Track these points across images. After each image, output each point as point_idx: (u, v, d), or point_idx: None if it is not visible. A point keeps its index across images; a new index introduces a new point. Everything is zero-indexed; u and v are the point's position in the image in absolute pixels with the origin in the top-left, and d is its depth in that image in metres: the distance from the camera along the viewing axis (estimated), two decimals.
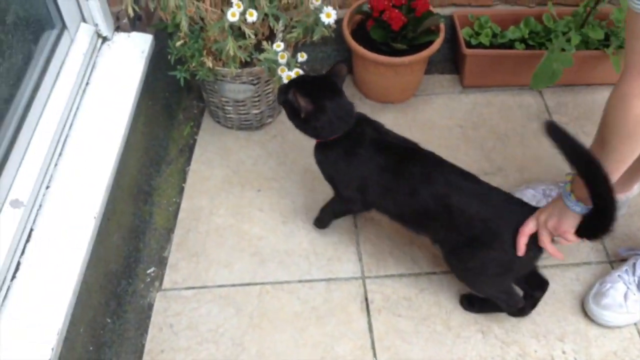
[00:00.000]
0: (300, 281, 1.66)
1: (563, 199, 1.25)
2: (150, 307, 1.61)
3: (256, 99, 1.86)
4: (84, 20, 1.59)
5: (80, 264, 1.28)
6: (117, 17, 1.67)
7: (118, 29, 1.70)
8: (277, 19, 1.54)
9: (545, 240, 1.31)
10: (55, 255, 1.28)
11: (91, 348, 1.42)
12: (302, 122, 1.43)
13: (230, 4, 1.45)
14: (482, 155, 1.94)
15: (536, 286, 1.53)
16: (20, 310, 1.21)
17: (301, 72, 1.52)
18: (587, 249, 1.71)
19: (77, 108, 1.51)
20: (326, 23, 1.50)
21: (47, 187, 1.38)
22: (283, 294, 1.64)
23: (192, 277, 1.67)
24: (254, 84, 1.79)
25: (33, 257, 1.28)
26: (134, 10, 1.43)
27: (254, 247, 1.74)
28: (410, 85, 2.05)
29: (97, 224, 1.36)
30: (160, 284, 1.66)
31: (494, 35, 2.03)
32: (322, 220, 1.75)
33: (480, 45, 2.02)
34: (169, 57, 1.68)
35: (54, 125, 1.41)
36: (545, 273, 1.54)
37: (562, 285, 1.65)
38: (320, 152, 1.51)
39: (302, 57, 1.56)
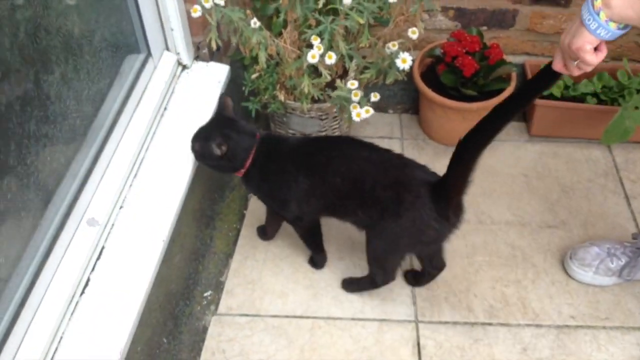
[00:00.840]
0: (353, 319, 1.66)
1: (582, 10, 1.01)
2: (204, 330, 1.64)
3: (322, 133, 1.89)
4: (167, 48, 1.66)
5: (147, 285, 1.32)
6: (197, 47, 1.74)
7: (197, 58, 1.76)
8: (351, 58, 1.57)
9: (567, 65, 1.09)
10: (123, 274, 1.33)
11: None
12: (219, 163, 1.48)
13: (309, 45, 1.49)
14: (545, 207, 1.91)
15: (435, 266, 1.64)
16: (86, 326, 1.25)
17: (372, 111, 1.54)
18: None
19: (154, 132, 1.57)
20: (401, 68, 1.52)
21: (121, 207, 1.43)
22: (335, 330, 1.64)
23: (247, 304, 1.69)
24: (322, 119, 1.83)
25: (102, 275, 1.32)
26: (216, 43, 1.48)
27: (309, 280, 1.75)
28: None
29: (164, 246, 1.41)
30: (216, 308, 1.69)
31: (566, 87, 2.00)
32: (312, 259, 1.79)
33: (551, 96, 2.00)
34: (243, 88, 1.73)
35: (133, 148, 1.48)
36: (602, 335, 1.50)
37: (621, 349, 1.59)
38: (247, 184, 1.57)
39: (375, 97, 1.58)
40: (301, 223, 1.65)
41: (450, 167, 1.32)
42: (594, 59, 1.03)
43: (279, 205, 1.60)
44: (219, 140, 1.43)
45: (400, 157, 1.48)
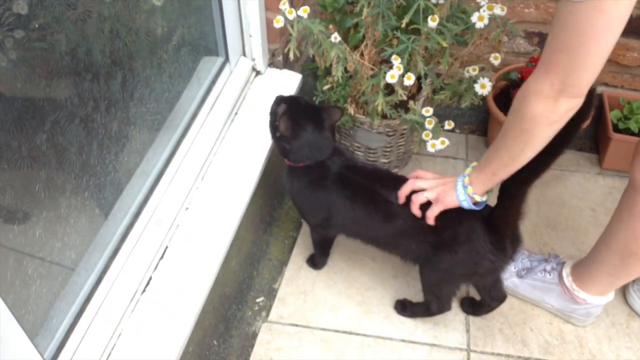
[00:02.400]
0: (403, 340, 1.64)
1: (456, 184, 1.29)
2: (254, 336, 1.65)
3: (388, 149, 1.87)
4: (244, 54, 1.68)
5: (207, 288, 1.34)
6: (272, 54, 1.74)
7: (271, 64, 1.77)
8: (426, 77, 1.55)
9: (417, 200, 1.34)
10: (184, 275, 1.35)
11: None
12: (276, 138, 1.46)
13: (386, 61, 1.47)
14: None
15: (495, 297, 1.59)
16: (145, 324, 1.27)
17: (447, 142, 1.51)
18: None
19: (224, 137, 1.59)
20: (479, 94, 1.49)
21: (187, 209, 1.45)
22: (384, 350, 1.62)
23: (298, 314, 1.69)
24: (389, 136, 1.81)
25: (164, 274, 1.34)
26: (294, 53, 1.48)
27: (362, 296, 1.74)
28: None
29: (225, 251, 1.42)
30: (267, 314, 1.69)
31: None
32: (313, 258, 1.78)
33: (627, 131, 1.92)
34: (314, 98, 1.73)
35: (204, 151, 1.49)
36: None
37: None
38: (289, 177, 1.53)
39: (449, 125, 1.55)
40: (323, 231, 1.65)
41: (499, 200, 1.30)
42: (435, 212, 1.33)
43: (310, 214, 1.59)
44: (287, 133, 1.41)
45: None
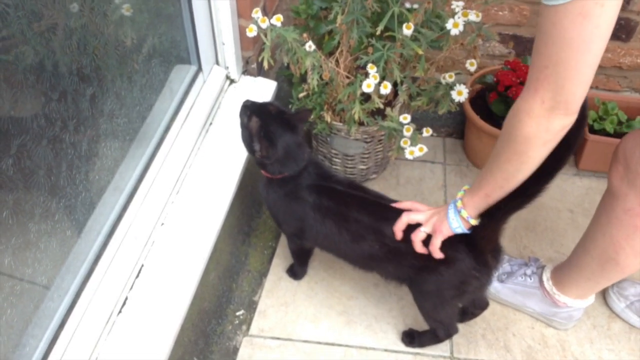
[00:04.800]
0: (386, 350, 1.62)
1: (447, 211, 1.27)
2: (235, 351, 1.61)
3: (365, 156, 1.86)
4: (217, 62, 1.64)
5: (185, 306, 1.30)
6: (246, 62, 1.71)
7: (245, 72, 1.74)
8: (402, 84, 1.53)
9: (417, 238, 1.31)
10: (161, 294, 1.31)
11: None
12: (254, 155, 1.41)
13: (363, 69, 1.45)
14: None
15: (478, 305, 1.60)
16: (121, 346, 1.22)
17: (425, 149, 1.49)
18: None
19: (199, 148, 1.55)
20: (456, 100, 1.47)
21: (162, 224, 1.41)
22: None
23: (279, 327, 1.66)
24: (367, 142, 1.79)
25: (140, 294, 1.30)
26: (269, 62, 1.45)
27: (343, 305, 1.72)
28: None
29: (204, 266, 1.38)
30: (248, 328, 1.66)
31: (619, 123, 1.94)
32: (292, 268, 1.76)
33: (603, 132, 1.93)
34: (290, 106, 1.70)
35: (179, 163, 1.46)
36: None
37: None
38: (265, 188, 1.50)
39: (427, 132, 1.54)
40: (299, 242, 1.62)
41: (483, 220, 1.26)
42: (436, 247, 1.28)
43: (286, 224, 1.56)
44: (265, 145, 1.36)
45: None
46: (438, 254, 1.29)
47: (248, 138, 1.40)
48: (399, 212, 1.35)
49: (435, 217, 1.30)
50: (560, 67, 0.93)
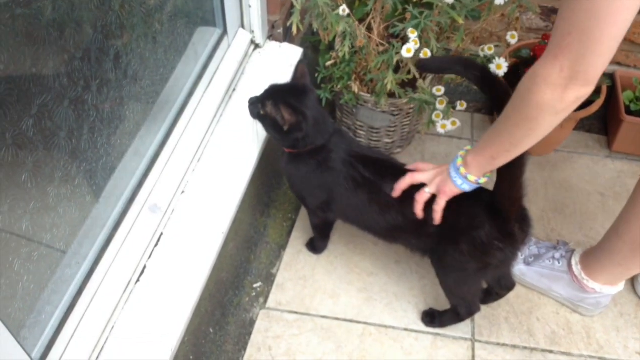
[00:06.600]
0: (406, 329, 1.59)
1: (450, 169, 1.24)
2: (252, 323, 1.58)
3: (392, 129, 1.79)
4: (242, 26, 1.57)
5: (204, 277, 1.26)
6: (272, 26, 1.64)
7: (271, 37, 1.67)
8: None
9: (421, 199, 1.28)
10: (180, 264, 1.27)
11: (191, 357, 1.41)
12: (284, 134, 1.34)
13: (395, 38, 1.38)
14: None
15: (504, 286, 1.54)
16: (138, 315, 1.19)
17: (459, 123, 1.43)
18: None
19: (221, 115, 1.50)
20: (494, 74, 1.40)
21: (182, 192, 1.37)
22: (387, 339, 1.57)
23: (297, 301, 1.63)
24: (394, 115, 1.72)
25: (159, 263, 1.27)
26: (298, 27, 1.38)
27: (363, 282, 1.68)
28: (554, 140, 1.92)
29: (224, 238, 1.34)
30: (265, 301, 1.63)
31: None
32: (312, 242, 1.72)
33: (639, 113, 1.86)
34: (316, 75, 1.64)
35: (200, 130, 1.41)
36: None
37: None
38: (291, 164, 1.44)
39: (462, 105, 1.47)
40: (323, 215, 1.57)
41: (498, 177, 1.22)
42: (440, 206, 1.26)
43: (312, 198, 1.51)
44: (293, 120, 1.30)
45: None
46: (439, 216, 1.27)
47: (271, 122, 1.34)
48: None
49: (439, 178, 1.27)
50: (584, 36, 0.88)
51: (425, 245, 1.40)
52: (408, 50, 1.34)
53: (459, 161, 1.22)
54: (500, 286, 1.54)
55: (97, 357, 1.11)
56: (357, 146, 1.43)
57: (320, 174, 1.40)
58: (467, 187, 1.23)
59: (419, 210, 1.29)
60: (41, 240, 0.98)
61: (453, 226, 1.30)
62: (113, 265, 1.18)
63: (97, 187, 1.12)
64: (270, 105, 1.31)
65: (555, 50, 0.93)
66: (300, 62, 1.41)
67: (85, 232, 1.11)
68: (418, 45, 1.34)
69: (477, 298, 1.50)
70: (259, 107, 1.35)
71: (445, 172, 1.25)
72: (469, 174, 1.20)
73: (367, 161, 1.38)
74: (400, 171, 1.35)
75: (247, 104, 1.35)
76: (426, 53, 1.34)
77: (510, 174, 1.19)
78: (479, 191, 1.27)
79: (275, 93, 1.35)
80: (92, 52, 0.99)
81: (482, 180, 1.22)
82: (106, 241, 1.16)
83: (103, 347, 1.13)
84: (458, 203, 1.27)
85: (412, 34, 1.33)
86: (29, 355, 0.95)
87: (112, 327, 1.16)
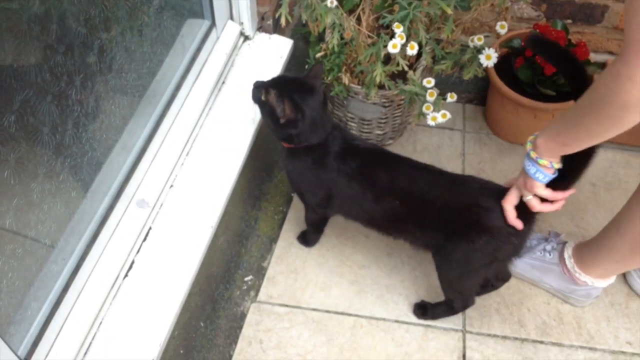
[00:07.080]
0: (397, 321, 1.59)
1: (524, 161, 1.20)
2: (242, 316, 1.58)
3: (383, 121, 1.78)
4: (231, 17, 1.55)
5: (193, 272, 1.26)
6: (262, 18, 1.63)
7: (260, 29, 1.65)
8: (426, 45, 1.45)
9: (531, 203, 1.23)
10: (168, 258, 1.26)
11: (181, 351, 1.41)
12: (279, 125, 1.33)
13: (385, 29, 1.37)
14: None
15: (501, 277, 1.54)
16: (127, 311, 1.19)
17: (449, 115, 1.42)
18: None
19: (210, 108, 1.48)
20: (484, 65, 1.39)
21: (171, 187, 1.36)
22: (378, 331, 1.57)
23: (288, 294, 1.62)
24: (385, 107, 1.71)
25: (147, 258, 1.26)
26: (286, 19, 1.37)
27: (354, 274, 1.67)
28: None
29: (213, 232, 1.33)
30: (256, 294, 1.62)
31: None
32: (304, 235, 1.71)
33: None
34: (306, 66, 1.62)
35: (189, 123, 1.39)
36: None
37: None
38: (289, 159, 1.43)
39: (452, 97, 1.46)
40: (322, 211, 1.56)
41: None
42: (545, 193, 1.19)
43: (311, 194, 1.50)
44: (292, 116, 1.29)
45: (468, 178, 1.37)
46: (538, 207, 1.22)
47: (270, 110, 1.32)
48: (429, 172, 1.34)
49: (521, 178, 1.22)
50: None
51: (431, 239, 1.38)
52: (394, 46, 1.33)
53: (529, 145, 1.17)
54: (497, 278, 1.54)
55: (85, 353, 1.11)
56: (353, 136, 1.42)
57: (316, 170, 1.39)
58: (540, 176, 1.17)
59: (518, 224, 1.25)
60: (25, 237, 0.97)
61: (472, 224, 1.28)
62: (100, 260, 1.18)
63: (83, 182, 1.11)
64: (274, 94, 1.30)
65: (636, 46, 0.87)
66: (316, 64, 1.40)
67: (72, 228, 1.10)
68: (404, 41, 1.32)
69: (474, 292, 1.50)
70: (262, 92, 1.34)
71: (522, 173, 1.22)
72: (539, 158, 1.15)
73: (363, 150, 1.38)
74: (398, 159, 1.35)
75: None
76: (413, 47, 1.33)
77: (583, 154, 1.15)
78: (491, 185, 1.28)
79: (283, 84, 1.34)
80: (75, 46, 0.97)
81: (556, 165, 1.16)
82: (93, 236, 1.15)
83: (91, 342, 1.13)
84: (471, 195, 1.27)
85: (398, 29, 1.32)
86: (15, 353, 0.95)
87: (100, 323, 1.16)
